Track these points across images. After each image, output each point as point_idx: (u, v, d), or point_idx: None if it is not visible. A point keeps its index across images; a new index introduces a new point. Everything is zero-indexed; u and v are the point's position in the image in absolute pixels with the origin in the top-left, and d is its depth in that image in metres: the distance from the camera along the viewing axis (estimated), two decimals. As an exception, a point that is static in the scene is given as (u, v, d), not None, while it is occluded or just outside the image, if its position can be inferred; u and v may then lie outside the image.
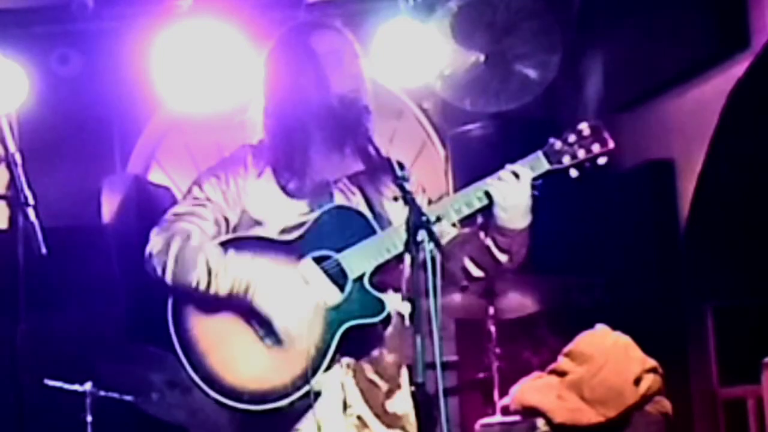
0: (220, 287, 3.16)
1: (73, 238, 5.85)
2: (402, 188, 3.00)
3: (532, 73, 6.04)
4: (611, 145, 3.28)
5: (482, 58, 6.09)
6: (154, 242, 3.26)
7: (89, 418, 4.90)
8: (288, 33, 3.46)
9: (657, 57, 5.72)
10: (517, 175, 3.20)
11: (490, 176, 3.23)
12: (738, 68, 5.26)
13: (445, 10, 6.04)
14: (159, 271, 3.22)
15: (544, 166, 3.26)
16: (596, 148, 3.27)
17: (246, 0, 6.30)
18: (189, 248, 3.21)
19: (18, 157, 3.11)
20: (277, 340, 3.16)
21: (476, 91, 6.10)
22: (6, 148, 3.13)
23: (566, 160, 3.26)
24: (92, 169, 6.57)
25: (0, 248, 3.22)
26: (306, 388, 3.12)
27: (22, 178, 3.08)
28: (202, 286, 3.17)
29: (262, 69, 3.45)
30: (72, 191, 6.36)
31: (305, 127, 3.32)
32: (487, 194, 3.22)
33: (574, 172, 3.28)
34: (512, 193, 3.19)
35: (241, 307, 3.17)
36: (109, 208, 6.34)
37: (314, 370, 3.12)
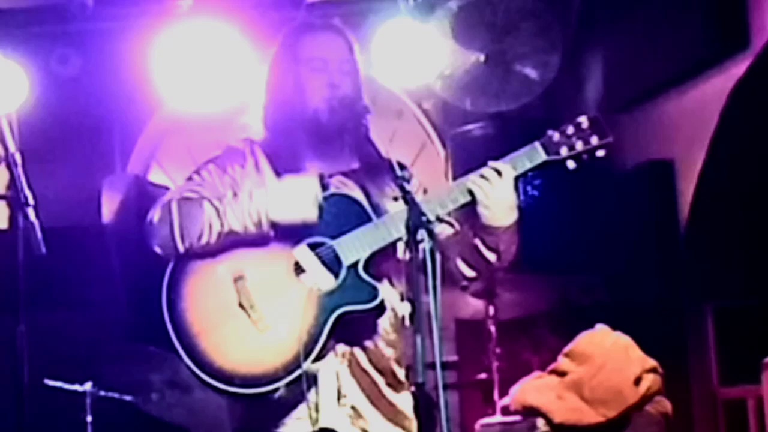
0: (233, 222, 3.17)
1: (73, 238, 5.85)
2: (402, 188, 3.00)
3: (532, 73, 6.04)
4: (610, 137, 3.27)
5: (482, 58, 6.09)
6: (154, 212, 3.28)
7: (89, 418, 4.91)
8: (283, 36, 3.50)
9: (657, 57, 5.72)
10: (499, 173, 3.20)
11: (474, 172, 3.23)
12: (738, 68, 5.26)
13: (445, 10, 6.04)
14: (164, 236, 3.22)
15: (541, 156, 3.25)
16: (594, 140, 3.27)
17: (246, 0, 6.31)
18: (190, 203, 3.24)
19: (18, 157, 3.11)
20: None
21: (476, 91, 6.10)
22: (6, 148, 3.13)
23: (564, 151, 3.25)
24: (92, 169, 6.57)
25: (0, 248, 3.22)
26: (298, 372, 3.13)
27: (22, 178, 3.08)
28: (216, 228, 3.18)
29: (266, 70, 3.49)
30: (72, 191, 6.36)
31: (292, 131, 3.36)
32: (470, 191, 3.22)
33: (571, 164, 3.27)
34: (494, 191, 3.19)
35: (256, 241, 3.19)
36: (109, 208, 6.34)
37: (306, 355, 3.13)
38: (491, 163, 3.22)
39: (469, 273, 3.34)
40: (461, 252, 3.31)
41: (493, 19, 6.03)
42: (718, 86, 5.41)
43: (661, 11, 5.67)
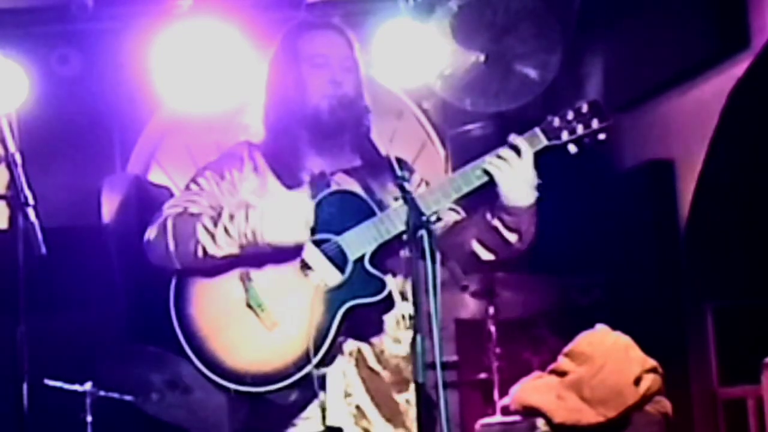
0: (227, 245, 3.17)
1: (73, 238, 5.85)
2: (402, 188, 3.00)
3: (532, 73, 6.04)
4: (611, 120, 3.26)
5: (482, 58, 6.09)
6: (150, 231, 3.30)
7: (89, 418, 4.90)
8: (283, 35, 3.50)
9: (657, 57, 5.72)
10: (518, 150, 3.19)
11: (489, 153, 3.22)
12: (738, 68, 5.26)
13: (445, 10, 6.04)
14: (161, 254, 3.24)
15: (542, 142, 3.24)
16: (595, 123, 3.26)
17: (246, 0, 6.31)
18: (184, 221, 3.24)
19: (18, 157, 3.11)
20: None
21: (476, 91, 6.10)
22: (6, 148, 3.13)
23: (564, 135, 3.24)
24: (92, 169, 6.56)
25: (0, 248, 3.22)
26: (308, 368, 3.13)
27: (22, 178, 3.08)
28: (210, 251, 3.18)
29: (266, 69, 3.49)
30: (72, 191, 6.35)
31: (293, 128, 3.36)
32: (486, 172, 3.20)
33: (573, 148, 3.25)
34: (514, 171, 3.17)
35: (254, 258, 3.18)
36: (109, 208, 6.34)
37: (316, 351, 3.14)
38: (511, 140, 3.19)
39: (487, 256, 3.31)
40: (478, 235, 3.29)
41: (493, 19, 6.03)
42: (718, 86, 5.41)
43: (661, 11, 5.67)
